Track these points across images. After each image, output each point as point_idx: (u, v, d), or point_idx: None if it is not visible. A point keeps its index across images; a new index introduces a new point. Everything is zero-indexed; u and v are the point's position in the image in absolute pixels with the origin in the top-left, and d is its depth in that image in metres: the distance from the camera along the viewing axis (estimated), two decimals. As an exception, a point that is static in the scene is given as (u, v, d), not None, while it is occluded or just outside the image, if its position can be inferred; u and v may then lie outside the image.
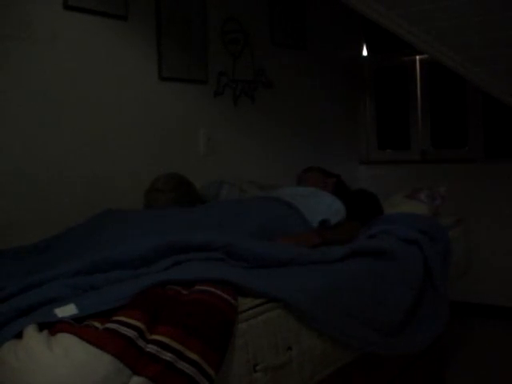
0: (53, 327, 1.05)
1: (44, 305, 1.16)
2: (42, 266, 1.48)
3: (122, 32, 2.35)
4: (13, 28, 1.98)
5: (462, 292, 3.35)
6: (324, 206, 2.03)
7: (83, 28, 2.20)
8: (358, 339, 1.46)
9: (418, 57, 3.74)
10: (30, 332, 1.02)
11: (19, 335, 1.04)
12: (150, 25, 2.47)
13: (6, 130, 1.97)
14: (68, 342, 0.99)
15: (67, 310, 1.10)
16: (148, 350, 1.03)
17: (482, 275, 3.36)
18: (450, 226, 2.31)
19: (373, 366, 1.73)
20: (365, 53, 3.99)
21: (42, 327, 1.05)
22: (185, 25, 2.60)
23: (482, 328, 3.26)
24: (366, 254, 1.70)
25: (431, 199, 2.37)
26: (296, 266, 1.53)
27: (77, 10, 2.16)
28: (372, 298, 1.57)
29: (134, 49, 2.41)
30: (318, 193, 2.14)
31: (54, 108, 2.11)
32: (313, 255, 1.59)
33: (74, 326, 1.05)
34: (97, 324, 1.07)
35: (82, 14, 2.18)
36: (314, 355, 1.38)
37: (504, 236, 3.41)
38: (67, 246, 1.63)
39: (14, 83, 1.99)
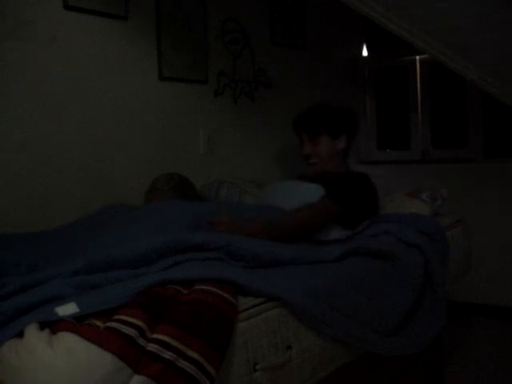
0: (54, 326, 1.05)
1: (45, 303, 1.16)
2: (53, 254, 1.50)
3: (122, 32, 2.35)
4: (13, 28, 1.98)
5: (462, 292, 3.35)
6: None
7: (83, 28, 2.21)
8: (356, 339, 1.46)
9: (417, 57, 3.74)
10: (32, 331, 1.02)
11: (20, 334, 1.04)
12: (149, 25, 2.47)
13: (5, 130, 1.97)
14: (69, 341, 0.99)
15: (68, 309, 1.11)
16: (149, 348, 1.03)
17: (482, 275, 3.37)
18: (449, 225, 2.31)
19: (373, 366, 1.73)
20: (365, 53, 3.99)
21: (43, 326, 1.05)
22: (185, 25, 2.60)
23: (482, 328, 3.26)
24: (364, 254, 1.70)
25: (432, 199, 2.38)
26: (295, 265, 1.54)
27: (77, 10, 2.16)
28: (370, 298, 1.57)
29: (134, 49, 2.41)
30: (300, 191, 2.14)
31: (54, 108, 2.11)
32: (312, 256, 1.59)
33: (75, 324, 1.05)
34: (98, 323, 1.07)
35: (81, 13, 2.19)
36: (313, 354, 1.38)
37: (504, 236, 3.42)
38: (76, 238, 1.64)
39: (14, 83, 1.99)
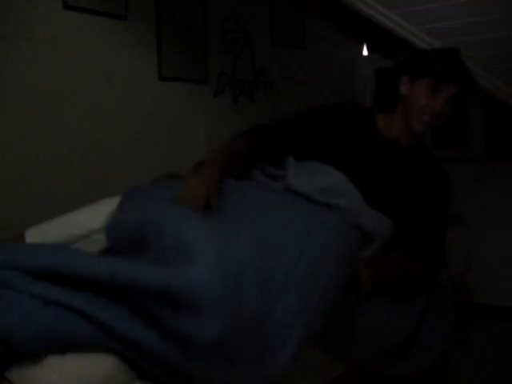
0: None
1: None
2: None
3: (122, 32, 2.35)
4: (13, 28, 1.98)
5: (462, 292, 3.35)
6: None
7: (83, 28, 2.20)
8: (357, 355, 1.44)
9: (418, 57, 3.73)
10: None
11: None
12: (149, 25, 2.47)
13: (6, 130, 1.97)
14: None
15: None
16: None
17: (482, 275, 3.36)
18: (449, 225, 2.30)
19: (373, 371, 1.72)
20: (365, 53, 3.99)
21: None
22: (185, 25, 2.60)
23: (482, 328, 3.26)
24: None
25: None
26: None
27: (77, 10, 2.16)
28: (376, 315, 1.52)
29: (133, 49, 2.41)
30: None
31: (54, 108, 2.11)
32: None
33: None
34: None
35: (81, 13, 2.18)
36: (312, 362, 1.38)
37: (504, 236, 3.41)
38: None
39: (14, 83, 1.99)
